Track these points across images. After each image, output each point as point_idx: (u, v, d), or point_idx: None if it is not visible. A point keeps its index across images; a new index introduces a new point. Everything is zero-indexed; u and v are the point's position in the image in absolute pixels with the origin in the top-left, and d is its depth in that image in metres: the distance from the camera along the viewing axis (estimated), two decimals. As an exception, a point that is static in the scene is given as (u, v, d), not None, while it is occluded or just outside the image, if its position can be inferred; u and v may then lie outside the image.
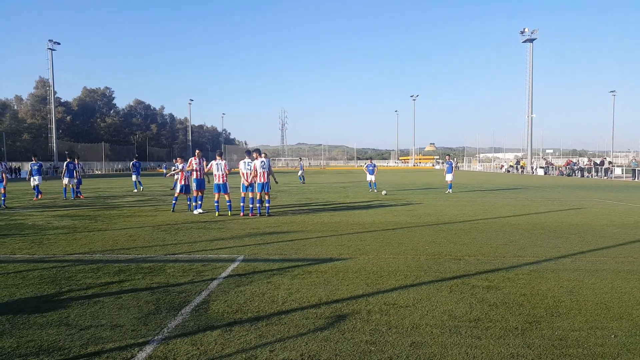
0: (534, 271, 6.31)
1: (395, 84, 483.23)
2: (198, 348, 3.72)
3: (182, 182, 14.28)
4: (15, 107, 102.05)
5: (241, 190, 13.25)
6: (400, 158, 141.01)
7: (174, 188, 16.59)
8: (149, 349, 3.71)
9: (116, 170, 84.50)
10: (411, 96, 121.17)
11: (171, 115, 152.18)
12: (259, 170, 12.84)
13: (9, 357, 3.60)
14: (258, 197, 12.96)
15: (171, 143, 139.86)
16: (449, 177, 22.53)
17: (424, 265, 6.72)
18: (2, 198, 16.17)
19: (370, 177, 23.74)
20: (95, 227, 10.92)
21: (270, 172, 13.03)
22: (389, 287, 5.51)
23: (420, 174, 55.35)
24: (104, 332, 4.09)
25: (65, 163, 19.76)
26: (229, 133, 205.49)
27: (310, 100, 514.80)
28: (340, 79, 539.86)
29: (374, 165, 24.25)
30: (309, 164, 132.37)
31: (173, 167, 17.33)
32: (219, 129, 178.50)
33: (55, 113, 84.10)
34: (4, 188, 16.13)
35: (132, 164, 26.02)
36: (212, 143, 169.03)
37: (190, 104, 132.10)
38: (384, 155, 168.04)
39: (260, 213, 12.84)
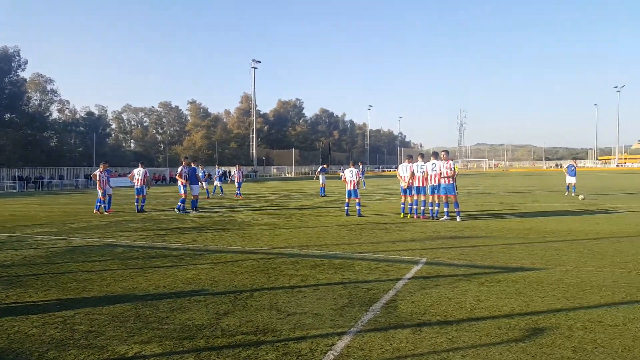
0: None
1: (594, 75, 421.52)
2: (391, 344, 3.94)
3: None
4: (225, 120, 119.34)
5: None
6: (599, 158, 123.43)
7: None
8: (346, 339, 4.07)
9: (303, 174, 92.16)
10: (615, 87, 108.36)
11: (351, 122, 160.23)
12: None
13: (233, 334, 4.33)
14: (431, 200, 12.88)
15: (351, 147, 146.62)
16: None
17: (636, 281, 5.86)
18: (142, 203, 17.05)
19: (570, 180, 22.04)
20: (292, 225, 12.21)
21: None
22: (593, 303, 4.97)
23: (627, 176, 47.40)
24: (307, 319, 4.62)
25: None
26: (405, 136, 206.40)
27: (491, 99, 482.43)
28: (528, 72, 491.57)
29: (574, 166, 22.39)
30: (488, 165, 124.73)
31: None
32: (395, 132, 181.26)
33: (255, 124, 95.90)
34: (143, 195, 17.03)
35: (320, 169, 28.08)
36: (388, 146, 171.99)
37: (369, 109, 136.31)
38: (579, 154, 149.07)
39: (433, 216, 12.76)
